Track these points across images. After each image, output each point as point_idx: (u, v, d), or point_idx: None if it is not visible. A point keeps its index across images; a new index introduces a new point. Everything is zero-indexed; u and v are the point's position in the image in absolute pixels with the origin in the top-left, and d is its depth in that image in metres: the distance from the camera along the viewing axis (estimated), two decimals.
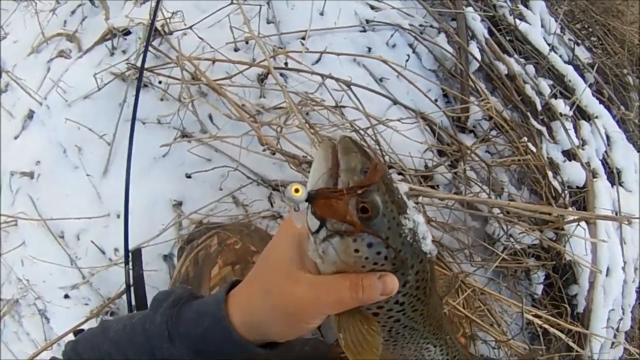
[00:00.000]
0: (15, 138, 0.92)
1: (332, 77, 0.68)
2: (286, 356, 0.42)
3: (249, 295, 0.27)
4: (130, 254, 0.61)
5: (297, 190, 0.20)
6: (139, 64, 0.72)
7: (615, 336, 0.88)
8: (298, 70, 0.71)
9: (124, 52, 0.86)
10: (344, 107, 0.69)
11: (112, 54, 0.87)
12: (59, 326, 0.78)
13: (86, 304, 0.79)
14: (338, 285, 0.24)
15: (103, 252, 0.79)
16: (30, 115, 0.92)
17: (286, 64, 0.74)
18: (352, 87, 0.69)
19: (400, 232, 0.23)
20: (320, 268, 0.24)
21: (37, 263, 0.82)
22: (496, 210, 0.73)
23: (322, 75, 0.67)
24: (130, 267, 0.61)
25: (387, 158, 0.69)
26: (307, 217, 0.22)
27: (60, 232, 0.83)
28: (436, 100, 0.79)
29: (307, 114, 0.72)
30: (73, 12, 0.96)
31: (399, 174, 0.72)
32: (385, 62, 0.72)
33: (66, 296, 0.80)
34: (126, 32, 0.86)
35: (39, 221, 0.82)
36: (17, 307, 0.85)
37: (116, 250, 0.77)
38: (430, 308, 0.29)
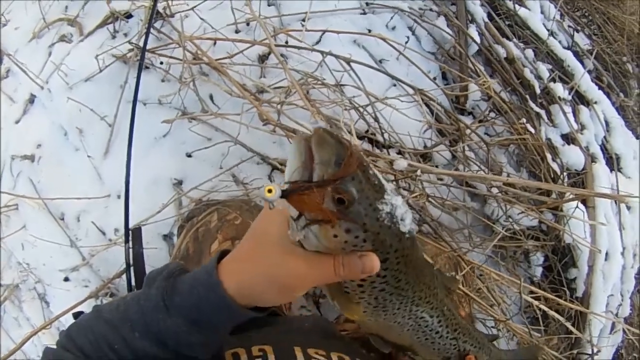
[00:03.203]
0: (17, 122, 0.92)
1: (332, 54, 0.68)
2: (287, 330, 0.43)
3: (240, 265, 0.28)
4: (130, 233, 0.61)
5: (270, 191, 0.21)
6: (141, 44, 0.72)
7: (613, 322, 0.88)
8: (298, 48, 0.71)
9: (125, 35, 0.87)
10: (344, 85, 0.70)
11: (113, 37, 0.87)
12: (59, 310, 0.77)
13: (86, 286, 0.79)
14: (325, 262, 0.25)
15: (103, 233, 0.79)
16: (32, 99, 0.92)
17: (287, 42, 0.74)
18: (352, 65, 0.69)
19: (377, 216, 0.24)
20: (307, 247, 0.26)
21: (38, 246, 0.82)
22: (495, 191, 0.74)
23: (322, 52, 0.68)
24: (130, 245, 0.61)
25: (386, 136, 0.69)
26: (287, 204, 0.23)
27: (61, 214, 0.83)
28: (435, 78, 0.79)
29: (308, 92, 0.72)
30: None
31: (398, 152, 0.72)
32: (384, 39, 0.72)
33: (66, 279, 0.80)
34: (128, 15, 0.87)
35: (40, 204, 0.82)
36: (17, 292, 0.85)
37: (116, 230, 0.77)
38: (415, 276, 0.30)
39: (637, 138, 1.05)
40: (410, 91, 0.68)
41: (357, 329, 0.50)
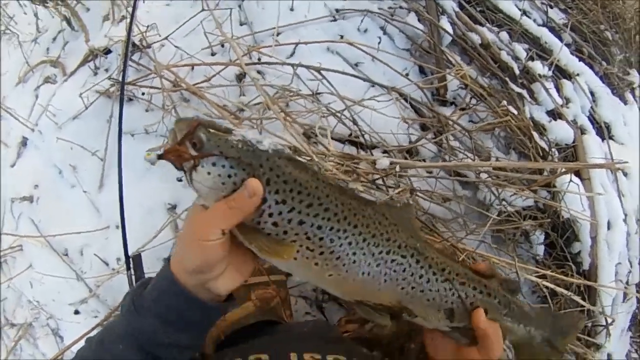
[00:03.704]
0: (12, 166, 0.95)
1: (302, 65, 0.69)
2: (286, 338, 0.44)
3: (177, 248, 0.33)
4: (130, 260, 0.63)
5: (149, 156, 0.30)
6: (120, 79, 0.74)
7: (626, 290, 0.87)
8: (269, 63, 0.73)
9: (106, 70, 0.89)
10: (319, 93, 0.71)
11: (95, 74, 0.90)
12: None
13: (96, 317, 0.81)
14: (219, 203, 0.30)
15: (107, 264, 0.81)
16: (24, 142, 0.95)
17: (259, 59, 0.76)
18: (325, 72, 0.70)
19: (230, 145, 0.29)
20: (208, 205, 0.30)
21: (45, 283, 0.84)
22: (484, 177, 0.74)
23: (292, 65, 0.69)
24: (132, 272, 0.63)
25: (367, 137, 0.70)
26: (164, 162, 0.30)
27: (64, 250, 0.85)
28: (407, 74, 0.80)
29: (287, 105, 0.74)
30: (54, 38, 1.00)
31: (384, 152, 0.73)
32: (351, 44, 0.73)
33: (76, 312, 0.82)
34: (107, 51, 0.89)
35: (43, 242, 0.85)
36: (31, 330, 0.87)
37: (118, 259, 0.79)
38: (335, 203, 0.30)
39: (625, 104, 1.04)
40: (384, 90, 0.68)
41: (359, 329, 0.50)
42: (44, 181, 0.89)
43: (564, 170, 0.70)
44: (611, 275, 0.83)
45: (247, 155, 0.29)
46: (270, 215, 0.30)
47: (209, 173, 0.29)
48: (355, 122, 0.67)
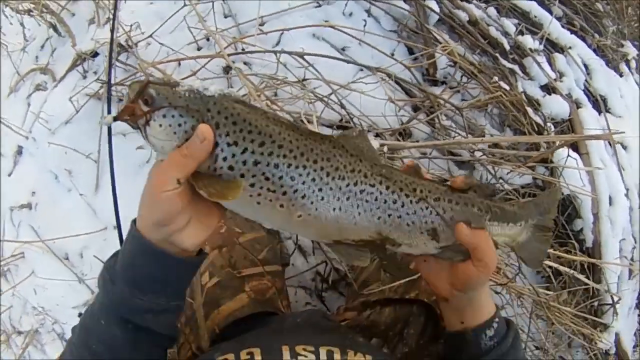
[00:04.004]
0: (10, 175, 0.96)
1: (284, 52, 0.69)
2: (279, 330, 0.43)
3: (139, 204, 0.32)
4: None
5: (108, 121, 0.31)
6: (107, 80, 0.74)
7: (631, 267, 0.85)
8: (252, 52, 0.72)
9: (95, 72, 0.90)
10: (306, 80, 0.70)
11: (84, 77, 0.90)
12: None
13: None
14: (173, 153, 0.30)
15: None
16: (20, 150, 0.95)
17: (243, 49, 0.76)
18: (313, 59, 0.69)
19: (178, 95, 0.29)
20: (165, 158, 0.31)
21: (48, 288, 0.85)
22: (479, 155, 0.73)
23: (274, 52, 0.68)
24: None
25: (356, 121, 0.69)
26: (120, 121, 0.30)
27: (65, 254, 0.85)
28: (392, 54, 0.78)
29: (276, 94, 0.73)
30: (42, 46, 1.00)
31: (376, 135, 0.72)
32: (333, 27, 0.72)
33: (80, 314, 0.82)
34: (94, 54, 0.89)
35: (44, 247, 0.85)
36: (37, 337, 0.88)
37: None
38: (289, 140, 0.30)
39: (620, 76, 1.02)
40: (371, 72, 0.68)
41: (358, 316, 0.50)
42: (41, 187, 0.89)
43: (560, 143, 0.69)
44: (615, 252, 0.81)
45: (195, 102, 0.29)
46: (225, 159, 0.29)
47: (160, 125, 0.29)
48: (343, 106, 0.67)
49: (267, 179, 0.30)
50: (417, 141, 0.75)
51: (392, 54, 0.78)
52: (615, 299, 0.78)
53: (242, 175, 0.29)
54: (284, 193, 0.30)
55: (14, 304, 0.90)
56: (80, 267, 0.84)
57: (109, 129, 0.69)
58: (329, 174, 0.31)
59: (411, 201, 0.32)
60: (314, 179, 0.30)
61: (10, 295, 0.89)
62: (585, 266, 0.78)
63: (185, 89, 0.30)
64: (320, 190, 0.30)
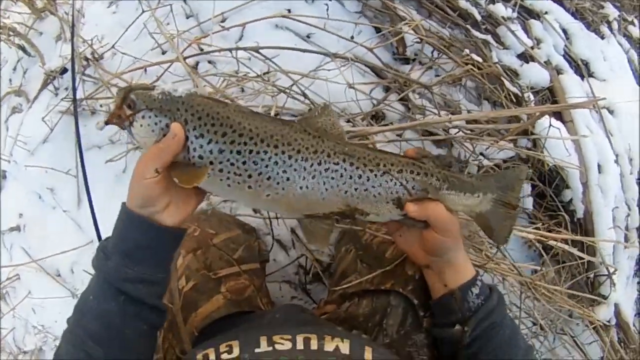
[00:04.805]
0: None
1: (239, 48, 0.68)
2: (258, 325, 0.44)
3: (128, 189, 0.37)
4: None
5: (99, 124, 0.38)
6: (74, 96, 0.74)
7: (626, 236, 0.83)
8: (208, 53, 0.72)
9: (66, 89, 0.89)
10: (267, 72, 0.69)
11: (56, 94, 0.90)
12: None
13: None
14: (151, 147, 0.36)
15: None
16: (4, 175, 0.96)
17: (202, 49, 0.75)
18: (277, 50, 0.68)
19: (153, 98, 0.35)
20: None
21: (46, 307, 0.86)
22: (455, 132, 0.71)
23: (229, 50, 0.67)
24: None
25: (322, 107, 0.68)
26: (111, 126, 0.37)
27: (56, 271, 0.87)
28: (352, 37, 0.76)
29: (243, 90, 0.72)
30: (14, 68, 1.01)
31: (347, 122, 0.71)
32: (287, 17, 0.71)
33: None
34: (63, 71, 0.89)
35: (37, 267, 0.87)
36: (42, 355, 0.90)
37: None
38: (249, 128, 0.34)
39: (602, 38, 0.98)
40: (328, 57, 0.66)
41: (337, 309, 0.49)
42: (27, 208, 0.90)
43: (538, 114, 0.66)
44: (609, 221, 0.79)
45: (167, 103, 0.35)
46: (194, 149, 0.35)
47: (141, 125, 0.35)
48: (306, 96, 0.65)
49: (232, 164, 0.34)
50: (391, 123, 0.73)
51: (352, 37, 0.75)
52: (612, 269, 0.76)
53: (211, 163, 0.34)
54: (250, 176, 0.35)
55: (16, 325, 0.92)
56: (72, 283, 0.85)
57: (79, 144, 0.69)
58: (291, 156, 0.34)
59: (375, 175, 0.36)
60: (276, 162, 0.34)
61: (11, 317, 0.91)
62: (577, 236, 0.76)
63: (159, 92, 0.35)
64: (284, 172, 0.34)
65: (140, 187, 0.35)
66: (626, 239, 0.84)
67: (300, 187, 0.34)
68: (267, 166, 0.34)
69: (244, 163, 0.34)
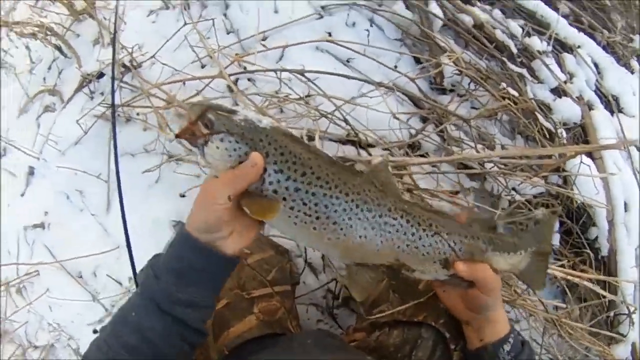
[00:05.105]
0: (22, 195, 0.98)
1: (285, 70, 0.69)
2: (288, 348, 0.44)
3: (191, 211, 0.37)
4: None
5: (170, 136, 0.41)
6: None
7: None
8: (253, 72, 0.72)
9: (102, 93, 0.91)
10: (309, 96, 0.70)
11: (91, 98, 0.91)
12: None
13: None
14: (226, 172, 0.35)
15: (120, 284, 0.82)
16: (32, 171, 0.97)
17: (245, 68, 0.75)
18: (317, 74, 0.69)
19: (235, 124, 0.35)
20: (219, 175, 0.36)
21: (64, 306, 0.87)
22: (490, 166, 0.71)
23: (274, 71, 0.68)
24: None
25: (362, 136, 0.69)
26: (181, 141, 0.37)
27: (78, 273, 0.87)
28: (395, 66, 0.77)
29: (281, 110, 0.73)
30: (49, 67, 1.02)
31: (384, 150, 0.71)
32: (333, 42, 0.72)
33: (95, 331, 0.83)
34: (100, 75, 0.90)
35: (58, 266, 0.87)
36: (53, 351, 0.90)
37: (130, 279, 0.80)
38: (327, 172, 0.35)
39: (632, 73, 0.99)
40: (374, 86, 0.67)
41: (367, 337, 0.50)
42: (53, 207, 0.91)
43: (572, 154, 0.67)
44: (632, 260, 0.79)
45: (249, 131, 0.35)
46: (270, 183, 0.35)
47: (217, 147, 0.34)
48: (347, 122, 0.66)
49: (304, 204, 0.35)
50: (427, 153, 0.74)
51: (396, 66, 0.76)
52: (632, 309, 0.76)
53: (284, 199, 0.35)
54: (318, 218, 0.35)
55: (30, 319, 0.92)
56: (94, 286, 0.85)
57: (116, 150, 0.69)
58: (358, 205, 0.35)
59: (427, 235, 0.37)
60: (344, 209, 0.35)
61: (26, 312, 0.91)
62: (601, 274, 0.76)
63: (242, 118, 0.34)
64: (350, 219, 0.35)
65: (209, 212, 0.34)
66: None
67: (360, 236, 0.35)
68: (335, 211, 0.35)
69: (315, 204, 0.35)
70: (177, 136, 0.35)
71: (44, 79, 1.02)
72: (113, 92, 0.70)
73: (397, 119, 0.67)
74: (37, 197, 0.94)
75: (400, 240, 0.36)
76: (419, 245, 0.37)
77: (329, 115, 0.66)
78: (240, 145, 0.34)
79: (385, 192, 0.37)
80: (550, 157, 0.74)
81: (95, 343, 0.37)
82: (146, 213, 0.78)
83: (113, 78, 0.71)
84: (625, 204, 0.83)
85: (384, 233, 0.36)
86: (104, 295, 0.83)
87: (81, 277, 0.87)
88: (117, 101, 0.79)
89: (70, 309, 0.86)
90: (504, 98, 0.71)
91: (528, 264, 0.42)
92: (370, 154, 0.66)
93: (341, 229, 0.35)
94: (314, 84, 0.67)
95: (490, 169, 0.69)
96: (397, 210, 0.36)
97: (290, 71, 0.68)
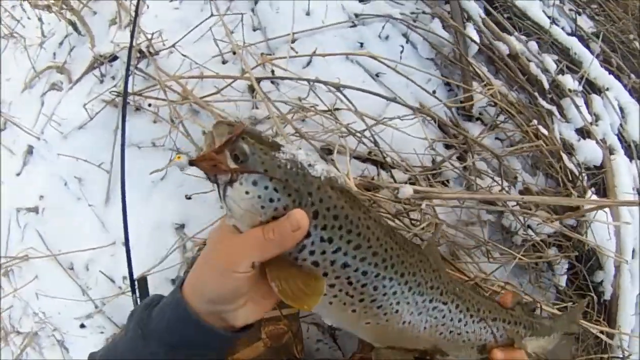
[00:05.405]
0: (18, 174, 0.92)
1: (319, 81, 0.65)
2: None
3: (197, 272, 0.29)
4: (136, 283, 0.60)
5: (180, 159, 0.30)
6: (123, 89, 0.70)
7: None
8: (282, 78, 0.68)
9: (113, 78, 0.86)
10: (337, 109, 0.66)
11: (101, 82, 0.86)
12: (79, 355, 0.79)
13: (102, 332, 0.79)
14: (255, 231, 0.26)
15: (113, 281, 0.78)
16: (30, 150, 0.92)
17: (273, 72, 0.71)
18: (342, 88, 0.66)
19: (277, 164, 0.25)
20: (241, 228, 0.26)
21: (51, 296, 0.83)
22: (512, 204, 0.69)
23: (308, 80, 0.64)
24: (138, 295, 0.60)
25: (388, 159, 0.66)
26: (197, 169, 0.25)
27: (70, 264, 0.83)
28: (434, 91, 0.75)
29: (304, 120, 0.69)
30: (61, 43, 0.96)
31: (406, 171, 0.69)
32: (374, 57, 0.68)
33: (82, 325, 0.80)
34: (113, 58, 0.85)
35: (49, 255, 0.83)
36: (37, 339, 0.86)
37: (124, 278, 0.76)
38: (386, 245, 0.27)
39: None
40: (409, 111, 0.64)
41: None
42: (50, 192, 0.86)
43: (592, 207, 0.67)
44: (632, 307, 0.80)
45: (296, 179, 0.25)
46: (312, 253, 0.26)
47: (247, 192, 0.24)
48: (376, 143, 0.63)
49: (350, 283, 0.27)
50: (447, 181, 0.72)
51: (434, 91, 0.73)
52: (627, 354, 0.76)
53: (325, 274, 0.26)
54: (361, 300, 0.28)
55: (15, 304, 0.88)
56: (85, 280, 0.81)
57: (123, 144, 0.65)
58: (411, 288, 0.30)
59: (473, 321, 0.34)
60: (394, 292, 0.29)
61: (12, 296, 0.87)
62: (602, 318, 0.76)
63: (287, 158, 0.25)
64: (397, 303, 0.29)
65: (224, 282, 0.26)
66: None
67: (404, 322, 0.30)
68: (385, 294, 0.28)
69: (363, 286, 0.27)
70: (191, 163, 0.25)
71: (54, 54, 0.96)
72: (127, 79, 0.65)
73: (433, 149, 0.64)
74: (34, 179, 0.89)
75: (445, 326, 0.32)
76: (462, 332, 0.33)
77: (358, 134, 0.63)
78: (280, 195, 0.24)
79: (439, 273, 0.32)
80: (570, 194, 0.73)
81: None
82: (148, 212, 0.75)
83: (128, 64, 0.66)
84: (633, 251, 0.83)
85: (430, 319, 0.31)
86: (95, 291, 0.79)
87: (72, 269, 0.83)
88: (129, 89, 0.75)
89: (58, 299, 0.82)
90: (536, 136, 0.68)
91: (556, 344, 0.41)
92: (393, 177, 0.63)
93: (385, 314, 0.29)
94: (346, 97, 0.63)
95: (512, 206, 0.67)
96: (448, 294, 0.32)
97: (325, 83, 0.63)
